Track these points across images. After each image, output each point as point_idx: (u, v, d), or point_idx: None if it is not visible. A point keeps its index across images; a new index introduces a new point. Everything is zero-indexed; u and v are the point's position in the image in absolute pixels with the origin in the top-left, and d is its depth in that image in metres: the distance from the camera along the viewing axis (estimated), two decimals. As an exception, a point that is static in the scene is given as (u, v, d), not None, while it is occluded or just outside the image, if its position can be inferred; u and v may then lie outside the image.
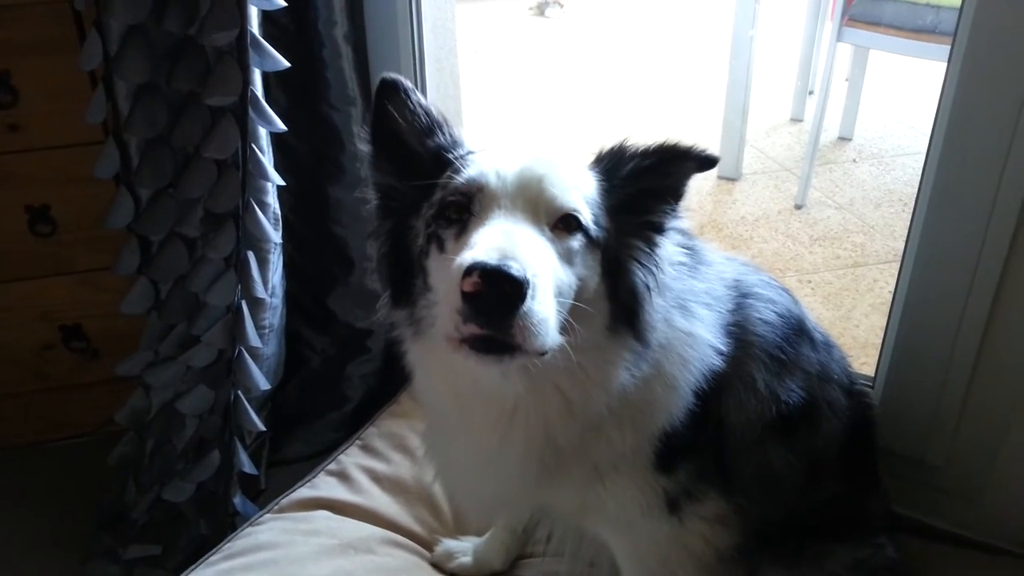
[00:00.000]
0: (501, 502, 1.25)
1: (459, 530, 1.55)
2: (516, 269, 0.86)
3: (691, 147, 1.05)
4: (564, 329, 0.95)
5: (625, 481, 1.13)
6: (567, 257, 0.98)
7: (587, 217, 1.00)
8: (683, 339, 1.09)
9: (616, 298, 1.04)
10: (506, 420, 1.08)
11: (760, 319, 1.17)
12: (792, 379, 1.18)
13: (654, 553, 1.18)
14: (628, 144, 1.07)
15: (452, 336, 0.92)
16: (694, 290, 1.12)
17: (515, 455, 1.10)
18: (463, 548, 1.48)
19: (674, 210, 1.07)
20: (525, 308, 0.88)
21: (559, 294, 0.94)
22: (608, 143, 1.08)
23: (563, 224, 0.99)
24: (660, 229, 1.07)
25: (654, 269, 1.06)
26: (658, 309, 1.06)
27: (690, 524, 1.16)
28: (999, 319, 1.36)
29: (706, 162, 1.05)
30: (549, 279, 0.93)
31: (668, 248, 1.09)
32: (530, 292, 0.87)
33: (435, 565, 1.48)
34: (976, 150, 1.31)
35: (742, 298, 1.17)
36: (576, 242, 0.99)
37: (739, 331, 1.14)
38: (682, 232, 1.13)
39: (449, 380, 1.09)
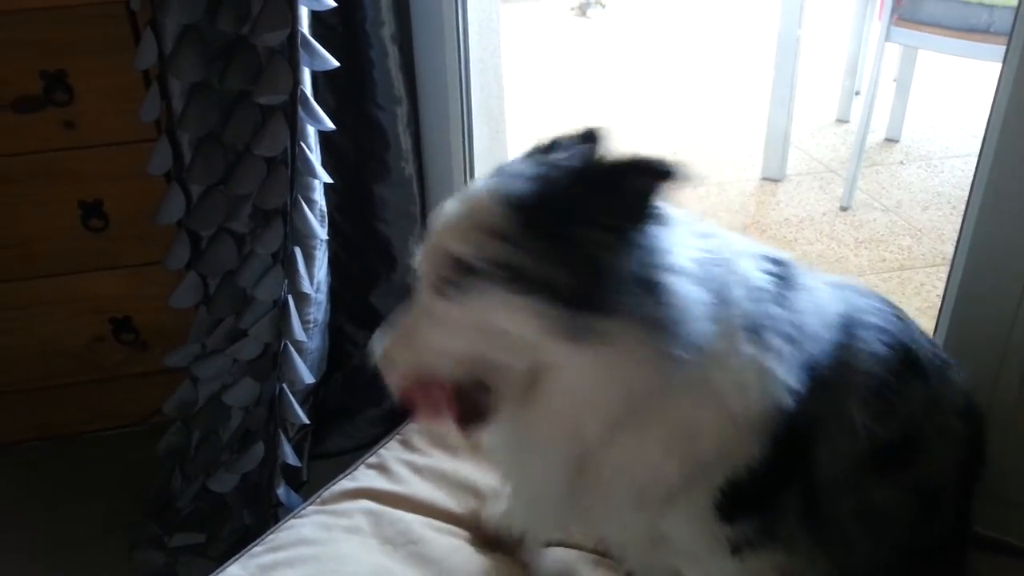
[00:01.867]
0: (533, 512, 1.15)
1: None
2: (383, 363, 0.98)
3: (640, 161, 0.87)
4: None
5: (681, 520, 1.02)
6: (450, 324, 0.92)
7: (472, 265, 0.88)
8: (746, 364, 0.94)
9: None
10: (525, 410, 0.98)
11: (867, 353, 1.03)
12: (896, 417, 1.05)
13: None
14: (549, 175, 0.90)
15: None
16: (773, 316, 0.97)
17: (538, 452, 1.01)
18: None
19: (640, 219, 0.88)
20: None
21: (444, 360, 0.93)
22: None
23: (449, 280, 0.91)
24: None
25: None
26: (697, 303, 0.89)
27: (749, 563, 1.05)
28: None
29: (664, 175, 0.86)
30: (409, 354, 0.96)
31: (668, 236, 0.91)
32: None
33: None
34: (1031, 152, 1.28)
35: (847, 332, 1.03)
36: (449, 307, 0.91)
37: (842, 369, 1.01)
38: (770, 259, 1.02)
39: None
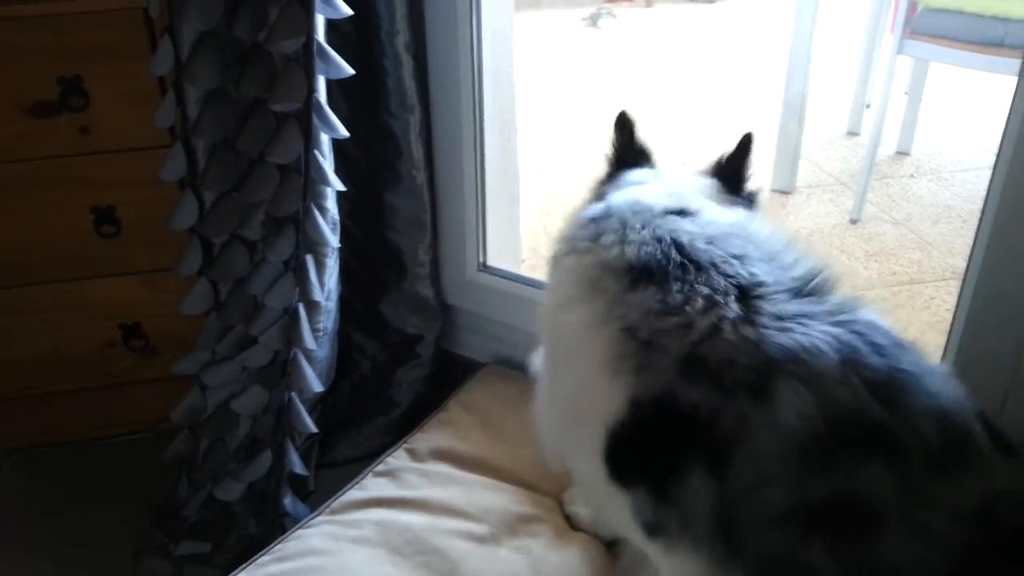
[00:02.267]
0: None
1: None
2: None
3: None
4: None
5: (585, 462, 1.11)
6: None
7: None
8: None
9: None
10: None
11: (794, 407, 0.94)
12: (828, 479, 0.95)
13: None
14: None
15: None
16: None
17: None
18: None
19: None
20: None
21: None
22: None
23: None
24: None
25: None
26: None
27: (673, 563, 1.06)
28: (1069, 342, 1.32)
29: None
30: None
31: None
32: None
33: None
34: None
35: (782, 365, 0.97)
36: None
37: (757, 390, 0.96)
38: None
39: None
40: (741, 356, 0.96)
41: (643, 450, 1.03)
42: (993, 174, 1.36)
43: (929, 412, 0.97)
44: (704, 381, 0.97)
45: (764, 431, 0.95)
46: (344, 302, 1.86)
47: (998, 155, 1.34)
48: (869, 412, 0.95)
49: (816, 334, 0.98)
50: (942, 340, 1.53)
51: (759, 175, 3.59)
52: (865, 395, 0.95)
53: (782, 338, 0.97)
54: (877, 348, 0.99)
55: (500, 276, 1.97)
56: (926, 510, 0.95)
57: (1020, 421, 1.39)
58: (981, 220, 1.40)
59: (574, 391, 1.11)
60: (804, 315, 1.01)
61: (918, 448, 0.95)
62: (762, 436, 0.95)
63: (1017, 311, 1.36)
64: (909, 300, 2.68)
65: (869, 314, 1.05)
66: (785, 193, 3.41)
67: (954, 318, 1.50)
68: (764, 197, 3.35)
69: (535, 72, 4.94)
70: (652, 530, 1.06)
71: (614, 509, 1.11)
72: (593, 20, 6.17)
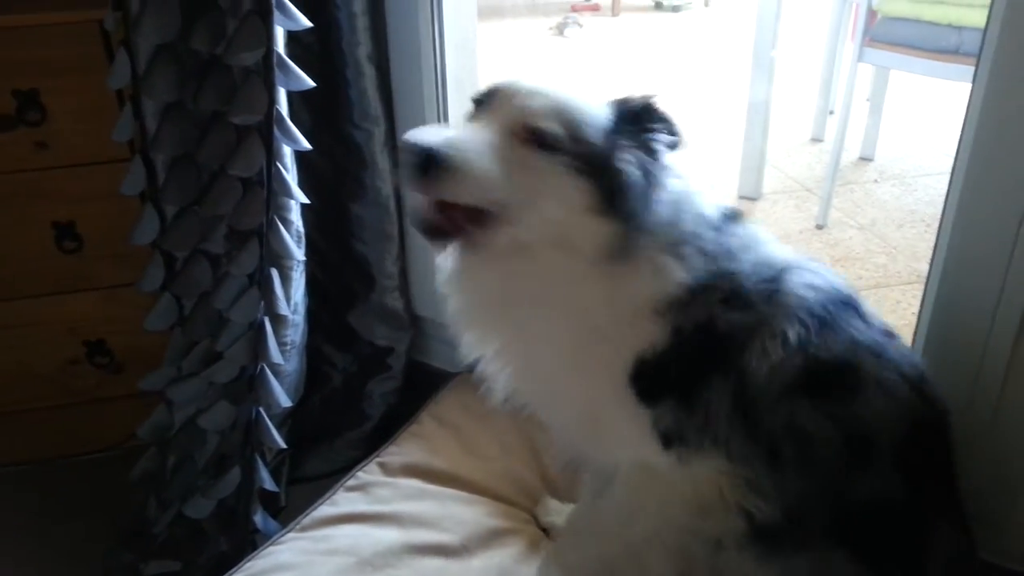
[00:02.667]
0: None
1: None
2: (428, 139, 1.04)
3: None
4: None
5: (599, 388, 1.16)
6: (522, 164, 1.08)
7: (552, 136, 1.09)
8: (649, 262, 1.13)
9: (606, 188, 1.10)
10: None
11: (802, 283, 1.16)
12: (831, 337, 1.14)
13: (651, 489, 1.18)
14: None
15: None
16: (699, 236, 1.15)
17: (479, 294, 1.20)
18: (559, 509, 1.54)
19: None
20: (440, 168, 1.03)
21: (492, 189, 1.06)
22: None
23: (527, 137, 1.09)
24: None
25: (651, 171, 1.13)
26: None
27: (695, 468, 1.15)
28: (1026, 341, 1.35)
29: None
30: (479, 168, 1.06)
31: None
32: (446, 157, 1.03)
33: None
34: (1002, 171, 1.29)
35: (784, 277, 1.16)
36: (537, 159, 1.08)
37: (774, 296, 1.14)
38: (726, 208, 1.21)
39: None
40: (761, 272, 1.16)
41: (676, 368, 1.13)
42: (951, 179, 1.38)
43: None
44: (740, 306, 1.13)
45: (777, 313, 1.13)
46: (312, 315, 1.84)
47: (955, 160, 1.37)
48: (846, 290, 1.19)
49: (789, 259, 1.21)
50: (908, 343, 1.55)
51: (727, 182, 3.62)
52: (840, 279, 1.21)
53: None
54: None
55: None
56: (884, 367, 1.16)
57: (985, 420, 1.41)
58: (941, 224, 1.43)
59: (591, 332, 1.15)
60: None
61: (878, 326, 1.19)
62: (776, 319, 1.13)
63: (979, 312, 1.38)
64: (875, 304, 2.67)
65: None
66: (751, 200, 3.44)
67: (918, 320, 1.52)
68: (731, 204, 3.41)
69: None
70: (669, 441, 1.15)
71: (623, 432, 1.18)
72: (560, 29, 6.21)
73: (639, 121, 1.17)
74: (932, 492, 1.22)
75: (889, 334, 1.22)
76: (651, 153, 1.16)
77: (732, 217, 1.21)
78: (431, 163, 1.03)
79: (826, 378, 1.14)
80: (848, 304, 1.18)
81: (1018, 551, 1.41)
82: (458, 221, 1.09)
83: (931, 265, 1.47)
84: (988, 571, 1.39)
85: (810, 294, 1.15)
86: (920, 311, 1.50)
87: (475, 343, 1.25)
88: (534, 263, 1.12)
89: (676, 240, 1.14)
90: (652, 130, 1.17)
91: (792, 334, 1.12)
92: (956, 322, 1.42)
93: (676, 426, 1.14)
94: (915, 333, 1.52)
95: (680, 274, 1.12)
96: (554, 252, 1.11)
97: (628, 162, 1.12)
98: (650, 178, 1.13)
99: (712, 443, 1.14)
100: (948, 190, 1.39)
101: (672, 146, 1.18)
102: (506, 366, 1.24)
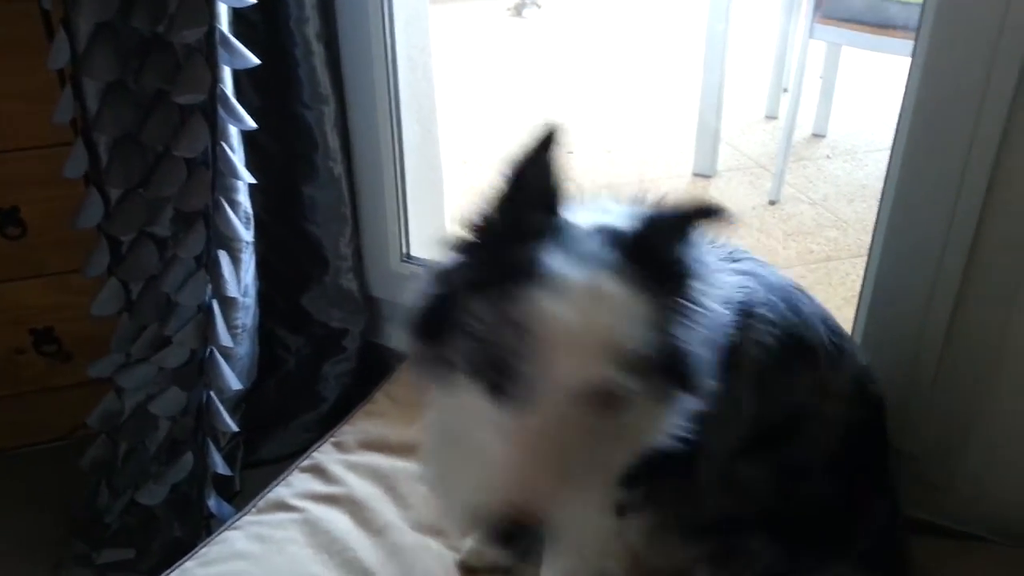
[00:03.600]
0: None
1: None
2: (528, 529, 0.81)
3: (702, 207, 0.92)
4: None
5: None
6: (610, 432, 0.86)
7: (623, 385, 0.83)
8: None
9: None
10: None
11: (756, 341, 1.08)
12: (779, 403, 1.13)
13: (594, 542, 1.17)
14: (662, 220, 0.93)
15: None
16: None
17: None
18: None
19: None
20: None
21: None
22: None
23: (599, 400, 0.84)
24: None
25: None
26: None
27: (634, 523, 1.14)
28: (964, 310, 1.38)
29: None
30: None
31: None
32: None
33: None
34: (939, 145, 1.32)
35: (743, 316, 1.06)
36: (616, 420, 0.85)
37: (733, 355, 1.03)
38: None
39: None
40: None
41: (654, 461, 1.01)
42: (891, 152, 1.41)
43: (816, 315, 1.18)
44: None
45: (735, 377, 1.03)
46: (265, 298, 1.83)
47: (895, 135, 1.39)
48: (793, 326, 1.13)
49: (735, 279, 1.09)
50: (853, 314, 1.58)
51: (682, 160, 3.63)
52: (788, 313, 1.13)
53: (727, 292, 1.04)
54: (762, 278, 1.15)
55: (425, 266, 1.95)
56: (826, 399, 1.16)
57: (924, 387, 1.45)
58: (882, 198, 1.45)
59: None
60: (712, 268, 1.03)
61: (820, 346, 1.16)
62: (733, 384, 1.03)
63: (918, 284, 1.41)
64: (826, 277, 2.76)
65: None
66: (706, 177, 3.48)
67: (862, 291, 1.55)
68: (686, 182, 3.44)
69: (460, 62, 4.92)
70: (623, 510, 1.12)
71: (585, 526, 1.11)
72: (518, 10, 6.18)
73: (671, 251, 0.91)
74: (864, 480, 1.25)
75: (837, 350, 1.17)
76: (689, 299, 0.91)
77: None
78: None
79: (771, 437, 1.13)
80: (799, 349, 1.12)
81: (957, 511, 1.45)
82: None
83: (873, 238, 1.49)
84: (928, 530, 1.43)
85: (762, 355, 1.08)
86: (863, 282, 1.53)
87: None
88: None
89: None
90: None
91: (745, 402, 1.08)
92: (897, 293, 1.45)
93: (632, 499, 1.10)
94: (858, 305, 1.55)
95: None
96: None
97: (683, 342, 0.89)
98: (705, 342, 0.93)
99: (655, 504, 1.12)
100: (888, 163, 1.42)
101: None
102: None
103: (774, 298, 1.13)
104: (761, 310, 1.10)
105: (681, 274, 0.91)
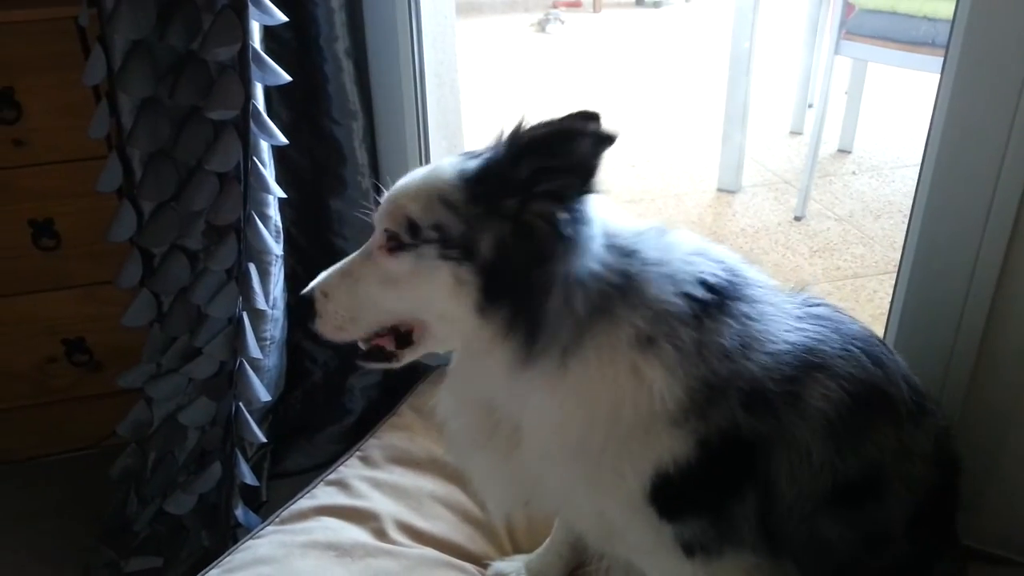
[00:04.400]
0: (491, 485, 1.22)
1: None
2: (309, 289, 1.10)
3: (587, 124, 0.97)
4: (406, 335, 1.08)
5: (616, 505, 1.06)
6: (387, 278, 1.03)
7: (413, 235, 1.00)
8: (621, 367, 0.99)
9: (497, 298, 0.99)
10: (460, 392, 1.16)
11: (823, 392, 1.04)
12: (858, 457, 1.07)
13: None
14: (517, 129, 1.01)
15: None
16: (676, 329, 0.99)
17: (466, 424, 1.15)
18: (514, 567, 1.42)
19: (582, 187, 0.97)
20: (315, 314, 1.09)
21: (374, 309, 1.07)
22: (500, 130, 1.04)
23: (391, 245, 1.02)
24: (561, 199, 0.97)
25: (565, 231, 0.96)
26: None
27: (715, 568, 1.09)
28: (995, 328, 1.37)
29: (604, 139, 0.97)
30: (344, 296, 1.07)
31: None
32: (315, 302, 1.08)
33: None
34: (970, 161, 1.32)
35: (803, 368, 1.04)
36: (395, 264, 1.02)
37: (793, 400, 1.03)
38: (721, 262, 1.06)
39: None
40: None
41: (704, 483, 1.02)
42: (921, 169, 1.40)
43: (899, 370, 1.13)
44: (763, 412, 1.01)
45: (801, 425, 1.03)
46: (292, 311, 1.84)
47: (925, 151, 1.38)
48: (872, 377, 1.08)
49: (806, 326, 1.07)
50: (882, 331, 1.57)
51: (707, 176, 3.63)
52: (867, 363, 1.08)
53: (794, 337, 1.05)
54: (838, 325, 1.11)
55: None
56: (908, 460, 1.11)
57: (958, 404, 1.43)
58: (912, 214, 1.45)
59: (603, 447, 1.03)
60: (777, 312, 1.07)
61: (903, 403, 1.11)
62: (799, 431, 1.03)
63: (950, 300, 1.40)
64: (853, 294, 2.74)
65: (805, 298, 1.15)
66: (731, 192, 3.47)
67: (891, 308, 1.54)
68: (710, 197, 3.44)
69: (485, 77, 4.95)
70: (691, 550, 1.07)
71: (642, 544, 1.10)
72: (542, 25, 6.22)
73: (547, 154, 0.97)
74: (937, 539, 1.22)
75: (919, 410, 1.14)
76: (562, 202, 0.97)
77: (724, 297, 1.03)
78: (310, 309, 1.08)
79: (852, 493, 1.08)
80: (881, 405, 1.09)
81: (991, 533, 1.43)
82: (384, 345, 1.10)
83: (903, 254, 1.48)
84: (982, 559, 1.42)
85: (831, 408, 1.04)
86: (892, 299, 1.52)
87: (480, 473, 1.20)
88: (477, 377, 1.08)
89: (639, 335, 0.98)
90: (560, 168, 0.97)
91: (816, 453, 1.04)
92: (928, 311, 1.44)
93: (700, 536, 1.06)
94: (888, 320, 1.54)
95: (664, 383, 0.98)
96: (473, 362, 1.07)
97: (525, 214, 0.96)
98: (559, 244, 0.96)
99: (734, 546, 1.07)
100: (918, 180, 1.41)
101: (582, 187, 0.98)
102: (509, 483, 1.16)
103: (854, 349, 1.09)
104: (836, 361, 1.06)
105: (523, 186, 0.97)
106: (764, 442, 1.03)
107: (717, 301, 1.02)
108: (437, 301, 1.01)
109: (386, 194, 1.07)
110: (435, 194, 1.00)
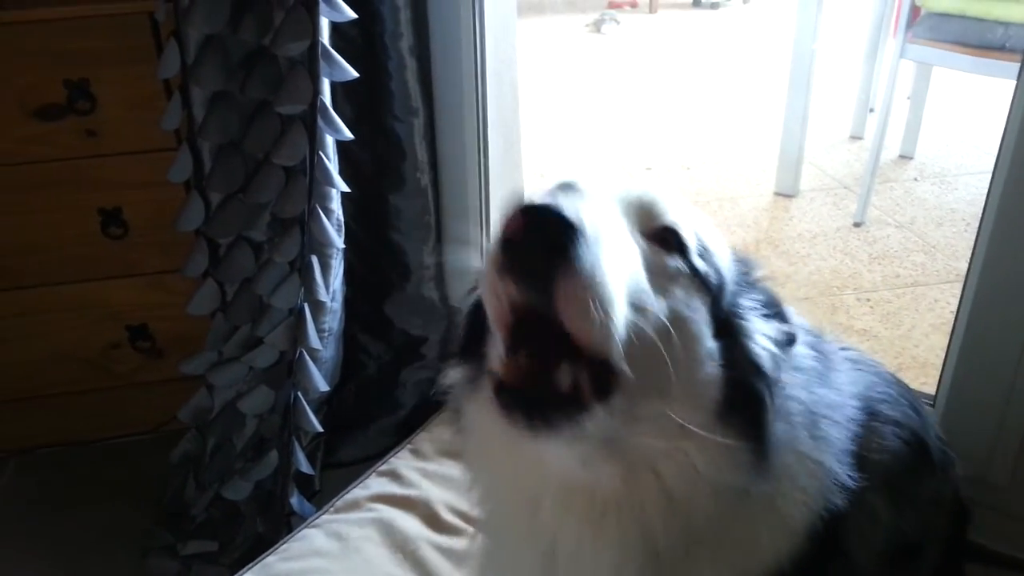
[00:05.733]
0: None
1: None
2: (568, 210, 0.66)
3: None
4: (646, 366, 0.73)
5: None
6: (660, 273, 0.77)
7: (691, 242, 0.80)
8: (808, 469, 0.86)
9: (732, 369, 0.81)
10: (590, 516, 0.82)
11: (885, 446, 0.96)
12: (915, 513, 1.01)
13: None
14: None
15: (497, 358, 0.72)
16: (827, 403, 0.89)
17: (603, 565, 0.84)
18: None
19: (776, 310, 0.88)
20: (575, 257, 0.65)
21: (637, 304, 0.72)
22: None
23: (659, 239, 0.79)
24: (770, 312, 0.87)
25: (774, 357, 0.83)
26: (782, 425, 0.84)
27: None
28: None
29: None
30: (620, 265, 0.71)
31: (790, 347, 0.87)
32: (583, 241, 0.66)
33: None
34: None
35: (869, 417, 0.96)
36: (674, 262, 0.78)
37: (860, 459, 0.93)
38: (805, 328, 0.94)
39: (512, 459, 0.83)
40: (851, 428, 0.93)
41: (811, 569, 0.90)
42: (993, 177, 1.37)
43: (928, 415, 1.08)
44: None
45: (865, 482, 0.92)
46: (349, 304, 1.87)
47: (997, 158, 1.35)
48: (913, 423, 1.01)
49: (858, 376, 1.00)
50: (946, 341, 1.54)
51: (764, 179, 3.59)
52: (911, 412, 1.02)
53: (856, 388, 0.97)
54: (877, 370, 1.06)
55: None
56: (938, 513, 1.06)
57: (1019, 415, 1.39)
58: (981, 223, 1.41)
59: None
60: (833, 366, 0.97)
61: (936, 450, 1.06)
62: (867, 490, 0.92)
63: (1018, 311, 1.36)
64: (913, 302, 2.68)
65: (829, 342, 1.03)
66: (788, 197, 3.42)
67: (956, 317, 1.50)
68: (767, 201, 3.39)
69: (540, 77, 4.96)
70: None
71: None
72: (597, 26, 6.20)
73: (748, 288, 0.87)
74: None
75: (948, 459, 1.10)
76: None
77: (819, 343, 0.96)
78: (567, 247, 0.66)
79: (908, 551, 1.03)
80: (923, 457, 1.03)
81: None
82: (578, 379, 0.71)
83: (971, 263, 1.45)
84: (1008, 564, 1.39)
85: (892, 461, 0.96)
86: (959, 308, 1.49)
87: None
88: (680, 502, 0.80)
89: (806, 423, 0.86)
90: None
91: (882, 510, 0.96)
92: (995, 319, 1.41)
93: None
94: (953, 329, 1.51)
95: (832, 479, 0.86)
96: (679, 479, 0.80)
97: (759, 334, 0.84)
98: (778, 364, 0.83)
99: None
100: (989, 188, 1.37)
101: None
102: None
103: (895, 394, 1.02)
104: (884, 407, 0.99)
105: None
106: (844, 512, 0.90)
107: (820, 347, 0.95)
108: (692, 329, 0.79)
109: (655, 193, 0.84)
110: (708, 240, 0.85)
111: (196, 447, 1.79)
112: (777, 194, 3.44)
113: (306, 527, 1.54)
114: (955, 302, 1.53)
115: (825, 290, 2.75)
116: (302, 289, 1.58)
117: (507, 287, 0.68)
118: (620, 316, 0.69)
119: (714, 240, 0.85)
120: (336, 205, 1.61)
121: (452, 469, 1.64)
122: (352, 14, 1.48)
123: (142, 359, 2.06)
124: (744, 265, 0.90)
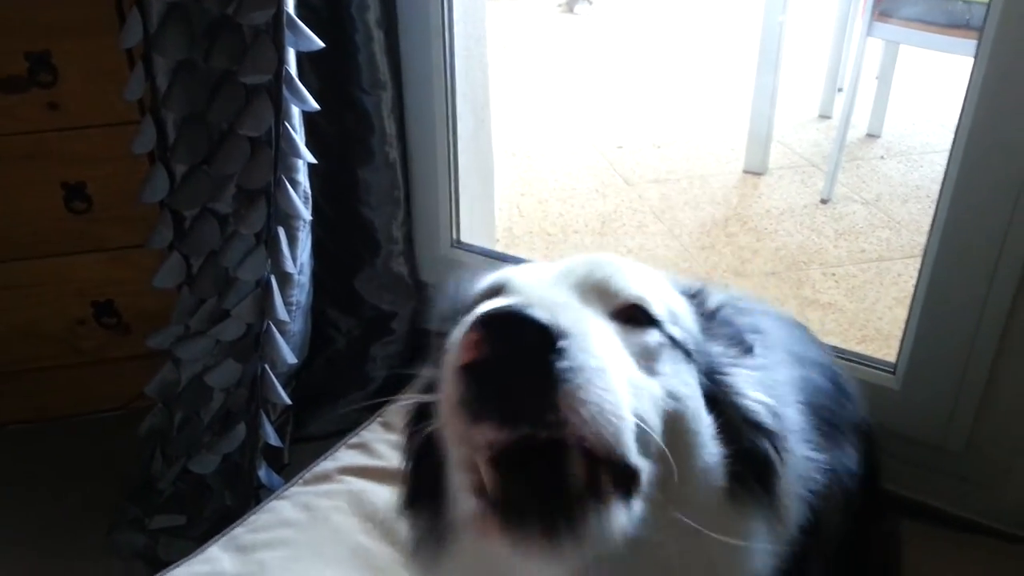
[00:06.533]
0: None
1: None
2: (538, 312, 0.57)
3: None
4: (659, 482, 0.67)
5: None
6: (644, 354, 0.71)
7: (660, 312, 0.75)
8: (798, 470, 0.82)
9: (732, 437, 0.75)
10: None
11: (820, 389, 0.95)
12: (850, 444, 0.99)
13: None
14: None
15: (472, 501, 0.61)
16: (786, 392, 0.85)
17: None
18: None
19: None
20: (563, 369, 0.57)
21: (638, 404, 0.65)
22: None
23: (625, 317, 0.73)
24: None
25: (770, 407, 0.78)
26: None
27: None
28: (1020, 313, 1.36)
29: None
30: (615, 366, 0.63)
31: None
32: (565, 347, 0.57)
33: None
34: (1000, 146, 1.30)
35: (803, 371, 0.94)
36: (652, 338, 0.72)
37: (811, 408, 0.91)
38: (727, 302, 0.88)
39: None
40: None
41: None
42: (951, 153, 1.39)
43: (840, 374, 1.09)
44: None
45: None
46: (318, 279, 1.86)
47: (955, 135, 1.37)
48: (827, 360, 1.06)
49: (782, 333, 0.98)
50: (905, 314, 1.57)
51: (733, 157, 3.62)
52: (815, 345, 1.08)
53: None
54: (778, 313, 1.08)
55: (473, 252, 1.98)
56: (860, 438, 1.05)
57: (981, 382, 1.43)
58: (940, 197, 1.44)
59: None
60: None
61: (863, 422, 1.09)
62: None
63: (974, 280, 1.39)
64: (877, 276, 2.73)
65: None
66: (757, 174, 3.45)
67: (916, 287, 1.53)
68: (736, 179, 3.42)
69: (512, 57, 4.95)
70: None
71: None
72: (569, 6, 6.18)
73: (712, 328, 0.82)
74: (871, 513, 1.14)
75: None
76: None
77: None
78: (552, 357, 0.57)
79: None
80: (839, 386, 1.03)
81: (1011, 512, 1.43)
82: (599, 481, 0.62)
83: (929, 237, 1.48)
84: (980, 531, 1.42)
85: (824, 401, 0.96)
86: (918, 278, 1.52)
87: None
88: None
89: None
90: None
91: (835, 458, 0.92)
92: (952, 294, 1.43)
93: None
94: (912, 299, 1.54)
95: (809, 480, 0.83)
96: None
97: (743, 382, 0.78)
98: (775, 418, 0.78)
99: None
100: (947, 164, 1.40)
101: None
102: None
103: (802, 334, 1.01)
104: (808, 352, 0.98)
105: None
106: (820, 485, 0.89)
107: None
108: (690, 405, 0.73)
109: (610, 265, 0.78)
110: (676, 307, 0.80)
111: (163, 421, 1.78)
112: (746, 172, 3.47)
113: (274, 499, 1.54)
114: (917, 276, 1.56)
115: (792, 265, 2.79)
116: (268, 261, 1.57)
117: (487, 434, 0.58)
118: (630, 412, 0.63)
119: (671, 296, 0.80)
120: (303, 177, 1.60)
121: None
122: (317, -17, 1.47)
123: (108, 335, 2.05)
124: (698, 298, 0.85)
